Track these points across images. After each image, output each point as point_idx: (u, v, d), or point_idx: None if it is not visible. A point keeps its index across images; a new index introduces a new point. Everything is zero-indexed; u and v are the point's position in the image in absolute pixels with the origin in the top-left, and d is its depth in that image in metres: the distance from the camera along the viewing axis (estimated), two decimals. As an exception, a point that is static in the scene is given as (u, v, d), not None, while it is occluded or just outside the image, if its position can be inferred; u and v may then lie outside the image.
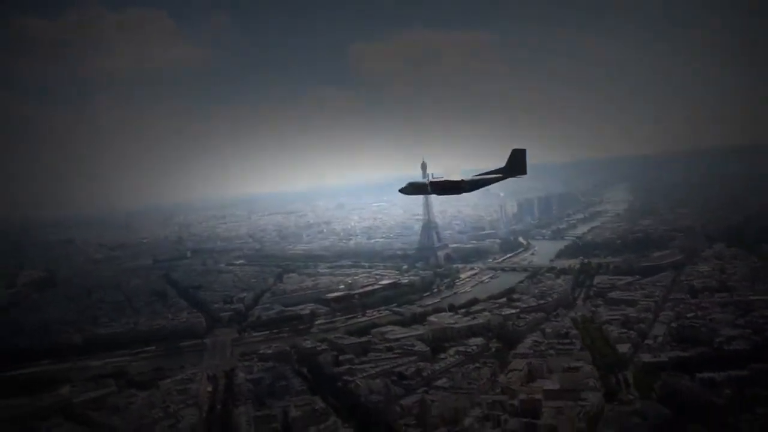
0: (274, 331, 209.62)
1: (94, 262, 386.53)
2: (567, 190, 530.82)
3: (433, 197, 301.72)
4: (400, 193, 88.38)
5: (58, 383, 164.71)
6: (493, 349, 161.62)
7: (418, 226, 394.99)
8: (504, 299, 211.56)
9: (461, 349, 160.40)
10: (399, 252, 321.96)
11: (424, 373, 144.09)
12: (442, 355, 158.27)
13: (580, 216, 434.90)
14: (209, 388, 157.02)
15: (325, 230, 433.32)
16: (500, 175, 77.38)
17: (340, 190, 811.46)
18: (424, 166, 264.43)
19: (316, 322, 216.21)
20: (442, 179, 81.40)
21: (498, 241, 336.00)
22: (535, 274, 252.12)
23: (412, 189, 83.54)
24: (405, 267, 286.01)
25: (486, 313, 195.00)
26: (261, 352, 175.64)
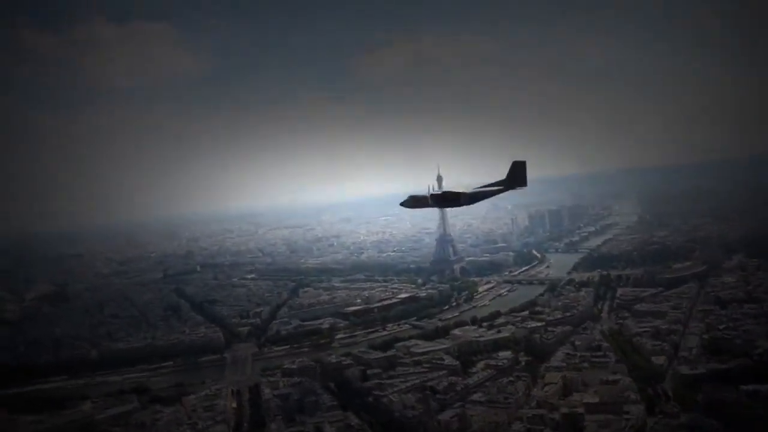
0: (295, 345, 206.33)
1: (104, 276, 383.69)
2: (576, 203, 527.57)
3: (448, 211, 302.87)
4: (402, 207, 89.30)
5: (77, 399, 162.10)
6: (523, 363, 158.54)
7: (428, 240, 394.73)
8: (526, 312, 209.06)
9: (492, 362, 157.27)
10: (412, 266, 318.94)
11: (458, 388, 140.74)
12: (473, 369, 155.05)
13: (592, 228, 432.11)
14: (234, 404, 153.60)
15: (335, 244, 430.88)
16: (501, 187, 78.43)
17: (344, 204, 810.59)
18: (439, 179, 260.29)
19: (337, 336, 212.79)
20: (442, 192, 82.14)
21: (511, 254, 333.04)
22: (553, 287, 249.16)
23: (413, 202, 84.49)
24: (420, 281, 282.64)
25: (510, 327, 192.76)
26: (285, 367, 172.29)
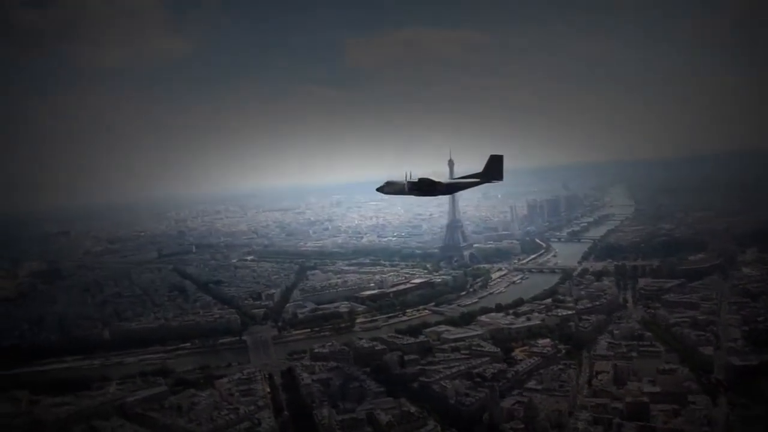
0: (315, 329, 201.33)
1: (94, 254, 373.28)
2: (567, 193, 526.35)
3: (458, 197, 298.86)
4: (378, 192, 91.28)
5: (98, 380, 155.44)
6: (564, 351, 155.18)
7: (426, 226, 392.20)
8: (549, 300, 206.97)
9: (535, 350, 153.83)
10: (418, 251, 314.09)
11: (508, 375, 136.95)
12: (518, 357, 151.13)
13: (590, 219, 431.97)
14: (267, 389, 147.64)
15: (330, 228, 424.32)
16: (477, 179, 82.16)
17: (329, 188, 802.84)
18: (450, 164, 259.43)
19: (357, 321, 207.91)
20: (419, 179, 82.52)
21: (515, 242, 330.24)
22: (568, 276, 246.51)
23: (389, 188, 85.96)
24: (429, 266, 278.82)
25: (537, 315, 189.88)
26: (315, 351, 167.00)
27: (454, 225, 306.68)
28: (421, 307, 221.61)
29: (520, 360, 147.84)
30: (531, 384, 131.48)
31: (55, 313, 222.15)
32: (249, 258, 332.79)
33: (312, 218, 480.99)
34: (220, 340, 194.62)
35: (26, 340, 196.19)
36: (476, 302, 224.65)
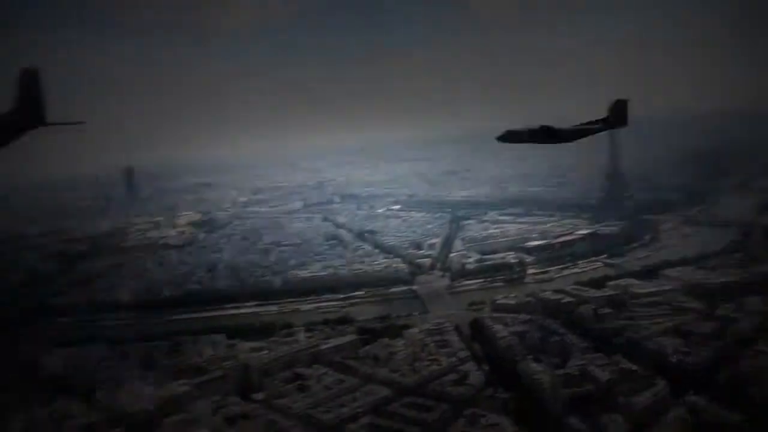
0: (487, 279, 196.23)
1: (242, 204, 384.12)
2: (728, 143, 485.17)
3: (617, 144, 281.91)
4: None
5: (279, 327, 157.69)
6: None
7: (572, 176, 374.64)
8: (739, 255, 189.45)
9: (748, 308, 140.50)
10: (572, 201, 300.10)
11: (728, 333, 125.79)
12: (730, 315, 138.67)
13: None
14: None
15: (470, 177, 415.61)
16: (601, 125, 77.68)
17: (449, 137, 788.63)
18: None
19: (528, 272, 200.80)
20: (540, 126, 79.23)
21: (674, 192, 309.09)
22: (750, 229, 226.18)
23: (510, 137, 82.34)
24: (589, 216, 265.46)
25: (730, 270, 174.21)
26: (499, 302, 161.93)
27: (615, 173, 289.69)
28: (592, 258, 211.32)
29: (735, 318, 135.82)
30: (759, 346, 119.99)
31: (224, 261, 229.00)
32: (396, 207, 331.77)
33: (449, 168, 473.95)
34: (391, 289, 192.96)
35: (205, 286, 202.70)
36: (649, 255, 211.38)
